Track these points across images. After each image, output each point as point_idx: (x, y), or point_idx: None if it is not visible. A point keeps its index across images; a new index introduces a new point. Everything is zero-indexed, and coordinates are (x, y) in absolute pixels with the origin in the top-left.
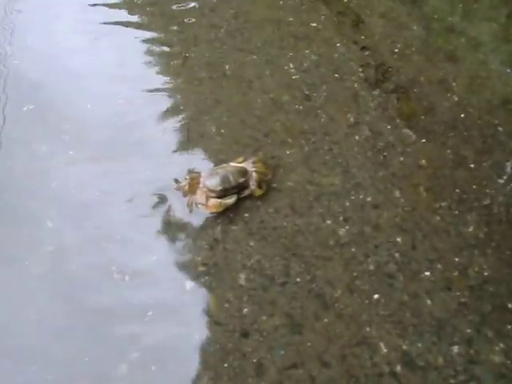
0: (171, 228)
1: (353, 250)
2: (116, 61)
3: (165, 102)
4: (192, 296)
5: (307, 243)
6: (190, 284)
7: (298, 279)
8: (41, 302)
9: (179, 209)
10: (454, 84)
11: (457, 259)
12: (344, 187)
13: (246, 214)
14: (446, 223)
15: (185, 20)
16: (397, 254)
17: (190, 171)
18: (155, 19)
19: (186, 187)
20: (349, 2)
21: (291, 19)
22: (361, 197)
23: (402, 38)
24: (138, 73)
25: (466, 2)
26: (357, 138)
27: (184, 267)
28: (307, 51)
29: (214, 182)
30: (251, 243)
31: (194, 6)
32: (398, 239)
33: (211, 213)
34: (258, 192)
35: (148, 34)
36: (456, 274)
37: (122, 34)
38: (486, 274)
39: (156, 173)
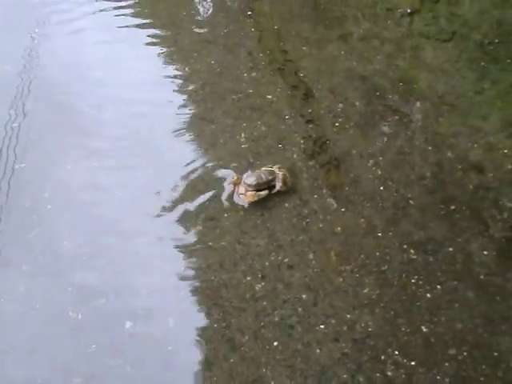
0: (120, 279)
1: (264, 303)
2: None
3: (127, 171)
4: (130, 333)
5: (228, 295)
6: (129, 324)
7: (215, 325)
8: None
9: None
10: (380, 158)
11: (349, 316)
12: (267, 248)
13: (182, 269)
14: (347, 284)
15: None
16: (300, 309)
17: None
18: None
19: (233, 183)
20: (304, 76)
21: (251, 91)
22: (279, 258)
23: (344, 113)
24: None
25: (405, 81)
26: (286, 205)
27: (125, 310)
28: (259, 122)
29: (250, 179)
30: (182, 293)
31: (169, 76)
32: (304, 296)
33: (248, 202)
34: (283, 187)
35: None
36: (345, 328)
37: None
38: (370, 329)
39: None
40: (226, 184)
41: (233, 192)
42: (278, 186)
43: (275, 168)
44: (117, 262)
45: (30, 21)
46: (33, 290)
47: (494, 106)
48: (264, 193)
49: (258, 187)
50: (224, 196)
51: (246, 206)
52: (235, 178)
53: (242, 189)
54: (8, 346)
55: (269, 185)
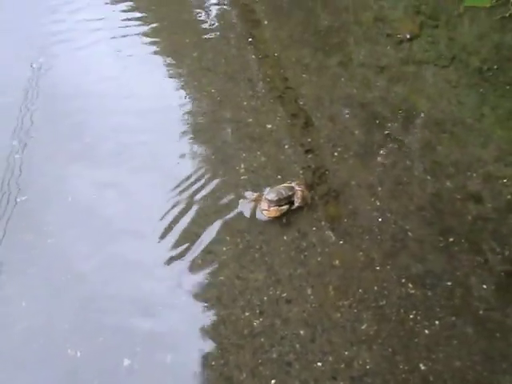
0: (119, 315)
1: (262, 340)
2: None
3: (128, 202)
4: (128, 371)
5: (226, 332)
6: (127, 361)
7: (213, 363)
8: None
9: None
10: (379, 189)
11: (346, 353)
12: (265, 283)
13: (180, 304)
14: (345, 320)
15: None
16: (297, 345)
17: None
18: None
19: (253, 200)
20: (304, 104)
21: (250, 120)
22: (278, 292)
23: (344, 142)
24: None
25: (404, 109)
26: (285, 238)
27: (123, 348)
28: (259, 152)
29: (272, 195)
30: (179, 329)
31: (170, 105)
32: (302, 332)
33: (269, 217)
34: (302, 203)
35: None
36: (343, 365)
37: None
38: (368, 367)
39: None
40: (245, 202)
41: (254, 209)
42: (297, 202)
43: (294, 184)
44: (116, 299)
45: (33, 51)
46: (31, 328)
47: (493, 134)
48: (285, 207)
49: (279, 202)
50: (246, 213)
51: (266, 219)
52: (255, 195)
53: (264, 205)
54: None
55: (289, 200)
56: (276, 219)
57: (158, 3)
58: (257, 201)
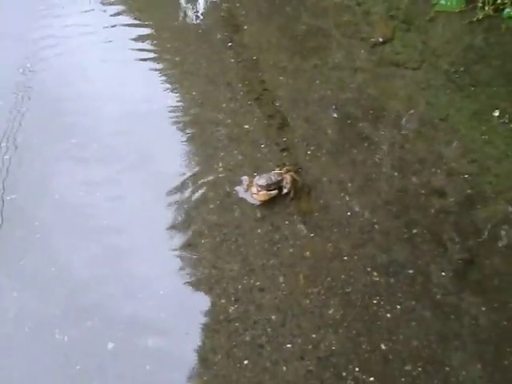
0: (104, 302)
1: (236, 324)
2: None
3: (114, 201)
4: (112, 354)
5: (203, 317)
6: (111, 345)
7: (191, 346)
8: None
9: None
10: (349, 185)
11: (314, 335)
12: (240, 272)
13: (161, 292)
14: (313, 306)
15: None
16: (269, 329)
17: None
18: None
19: (246, 185)
20: (280, 106)
21: (229, 121)
22: (251, 281)
23: (317, 140)
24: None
25: (376, 109)
26: (259, 231)
27: (108, 332)
28: (236, 151)
29: (261, 181)
30: (160, 315)
31: (154, 107)
32: (273, 317)
33: (260, 201)
34: (291, 188)
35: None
36: (310, 347)
37: None
38: (333, 348)
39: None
40: (239, 187)
41: (246, 192)
42: (286, 188)
43: (283, 171)
44: (101, 288)
45: (23, 55)
46: (22, 315)
47: (457, 133)
48: (274, 192)
49: (268, 188)
50: (238, 197)
51: (258, 203)
52: (248, 180)
53: (254, 189)
54: None
55: (278, 185)
56: (264, 204)
57: (142, 10)
58: (249, 186)
